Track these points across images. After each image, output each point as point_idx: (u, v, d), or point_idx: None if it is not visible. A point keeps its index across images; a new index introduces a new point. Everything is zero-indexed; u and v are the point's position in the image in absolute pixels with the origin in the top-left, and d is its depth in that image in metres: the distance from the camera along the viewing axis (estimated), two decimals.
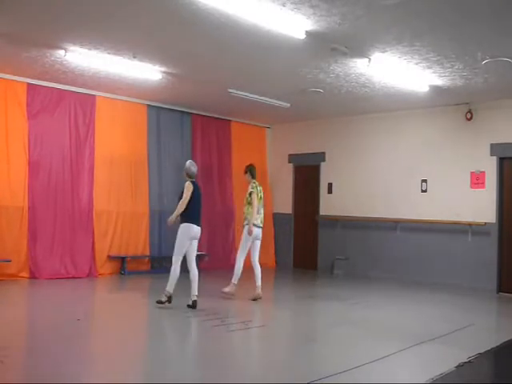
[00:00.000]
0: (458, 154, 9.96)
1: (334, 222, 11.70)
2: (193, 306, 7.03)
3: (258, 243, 8.14)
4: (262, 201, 8.15)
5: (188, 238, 7.15)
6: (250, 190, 8.09)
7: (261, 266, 8.11)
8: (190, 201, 7.17)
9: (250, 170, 8.32)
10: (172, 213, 7.18)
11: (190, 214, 7.17)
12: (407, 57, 7.10)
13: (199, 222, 7.27)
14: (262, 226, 8.13)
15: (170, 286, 7.11)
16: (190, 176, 7.37)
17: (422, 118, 10.54)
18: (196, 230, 7.20)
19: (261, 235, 8.15)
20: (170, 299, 7.11)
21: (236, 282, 7.90)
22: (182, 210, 7.15)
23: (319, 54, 7.13)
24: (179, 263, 7.13)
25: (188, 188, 7.21)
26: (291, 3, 5.44)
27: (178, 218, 7.20)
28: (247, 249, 8.03)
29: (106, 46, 7.15)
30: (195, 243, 7.29)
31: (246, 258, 8.03)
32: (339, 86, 8.79)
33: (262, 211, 8.15)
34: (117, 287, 9.23)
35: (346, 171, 11.66)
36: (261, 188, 8.23)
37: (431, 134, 10.39)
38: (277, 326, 6.74)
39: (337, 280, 10.77)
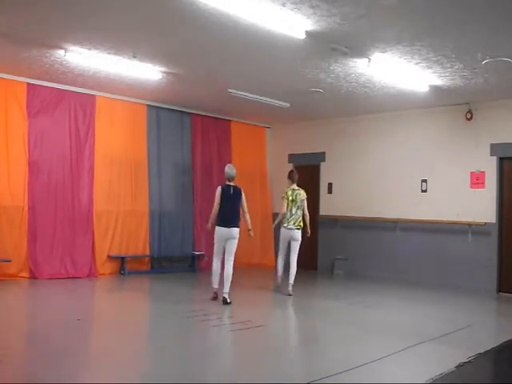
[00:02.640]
0: (458, 154, 9.95)
1: (334, 221, 11.70)
2: (223, 302, 7.45)
3: (294, 244, 8.63)
4: (295, 203, 8.61)
5: (218, 240, 7.68)
6: (282, 195, 8.80)
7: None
8: (220, 204, 7.66)
9: (288, 175, 8.98)
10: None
11: (219, 217, 7.68)
12: (407, 57, 7.10)
13: (228, 224, 7.61)
14: (293, 227, 8.56)
15: (214, 283, 7.73)
16: (227, 179, 7.81)
17: (422, 118, 10.54)
18: (223, 231, 7.59)
19: (296, 236, 8.59)
20: (215, 294, 7.70)
21: (279, 280, 8.80)
22: (214, 215, 7.71)
23: (319, 53, 7.13)
24: (215, 261, 7.75)
25: (216, 193, 7.76)
26: (291, 3, 5.44)
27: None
28: (282, 249, 8.77)
29: (106, 46, 7.15)
30: (230, 243, 7.65)
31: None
32: (339, 86, 8.79)
33: (296, 213, 8.58)
34: (117, 287, 9.23)
35: (346, 171, 11.66)
36: (298, 192, 8.67)
37: (431, 133, 10.39)
38: (277, 326, 6.75)
39: (337, 280, 10.77)
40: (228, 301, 7.43)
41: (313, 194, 12.13)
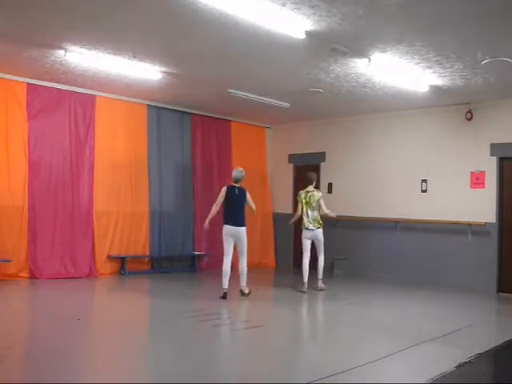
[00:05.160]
0: (458, 154, 9.95)
1: (334, 221, 11.67)
2: (240, 293, 7.97)
3: (319, 245, 8.99)
4: (309, 205, 8.91)
5: (226, 237, 7.94)
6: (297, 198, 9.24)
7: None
8: (225, 203, 8.00)
9: (304, 177, 9.33)
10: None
11: (225, 216, 8.03)
12: (407, 57, 7.10)
13: (235, 222, 7.95)
14: (314, 228, 8.89)
15: (224, 283, 7.83)
16: (233, 180, 8.18)
17: (422, 118, 10.54)
18: (230, 229, 7.91)
19: (319, 236, 8.94)
20: (224, 295, 7.80)
21: (305, 281, 8.84)
22: (213, 213, 8.03)
23: (319, 53, 7.13)
24: (226, 261, 7.91)
25: (220, 192, 8.09)
26: (291, 3, 5.44)
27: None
28: (306, 252, 8.96)
29: (105, 46, 7.15)
30: (239, 242, 7.99)
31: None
32: (339, 86, 8.79)
33: (312, 214, 8.89)
34: (117, 287, 9.23)
35: (346, 171, 11.66)
36: (312, 193, 8.97)
37: (431, 133, 10.38)
38: (277, 325, 6.74)
39: (337, 280, 10.76)
40: (246, 291, 7.94)
41: None
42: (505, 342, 5.83)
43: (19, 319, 6.58)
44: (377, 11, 5.58)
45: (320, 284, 8.96)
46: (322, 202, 9.00)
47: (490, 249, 9.47)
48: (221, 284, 7.84)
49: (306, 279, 8.82)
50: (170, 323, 6.32)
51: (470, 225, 9.63)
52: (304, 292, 8.66)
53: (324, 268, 9.12)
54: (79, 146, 9.77)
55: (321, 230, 8.95)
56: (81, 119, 9.80)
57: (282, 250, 12.79)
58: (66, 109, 9.61)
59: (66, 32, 6.67)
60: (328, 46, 6.67)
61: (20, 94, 9.06)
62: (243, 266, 8.01)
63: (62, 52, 7.42)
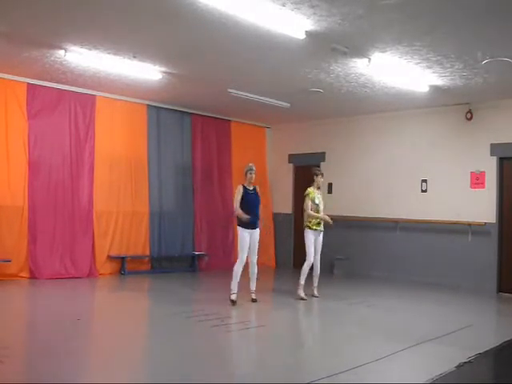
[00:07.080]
0: (458, 154, 9.95)
1: (334, 222, 11.66)
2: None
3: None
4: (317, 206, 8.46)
5: None
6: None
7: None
8: None
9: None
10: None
11: None
12: (407, 57, 7.10)
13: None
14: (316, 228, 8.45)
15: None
16: None
17: (422, 118, 10.54)
18: None
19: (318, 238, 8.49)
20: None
21: (302, 282, 8.16)
22: None
23: (319, 53, 7.14)
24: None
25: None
26: (291, 3, 5.44)
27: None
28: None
29: (105, 46, 7.15)
30: None
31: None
32: (339, 85, 8.79)
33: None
34: (117, 287, 9.23)
35: (346, 171, 11.66)
36: (314, 193, 8.49)
37: (431, 133, 10.39)
38: (276, 325, 6.74)
39: (337, 280, 10.76)
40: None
41: None
42: (505, 341, 5.83)
43: (19, 319, 6.59)
44: (377, 11, 5.58)
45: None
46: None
47: (489, 249, 9.47)
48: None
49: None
50: (170, 323, 6.31)
51: (469, 225, 9.63)
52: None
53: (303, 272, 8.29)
54: (79, 145, 9.77)
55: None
56: (81, 119, 9.80)
57: (282, 250, 12.77)
58: (66, 109, 9.61)
59: (66, 32, 6.68)
60: (328, 45, 6.67)
61: (20, 94, 9.06)
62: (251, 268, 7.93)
63: (62, 52, 7.42)
